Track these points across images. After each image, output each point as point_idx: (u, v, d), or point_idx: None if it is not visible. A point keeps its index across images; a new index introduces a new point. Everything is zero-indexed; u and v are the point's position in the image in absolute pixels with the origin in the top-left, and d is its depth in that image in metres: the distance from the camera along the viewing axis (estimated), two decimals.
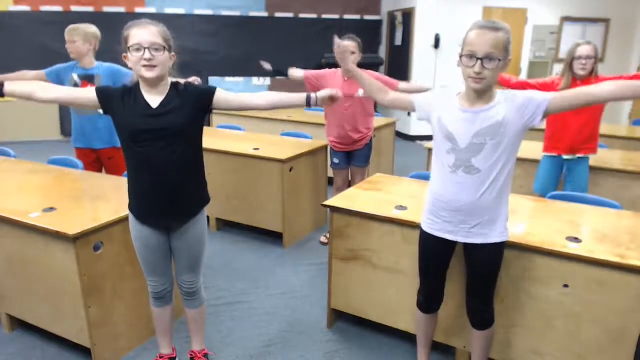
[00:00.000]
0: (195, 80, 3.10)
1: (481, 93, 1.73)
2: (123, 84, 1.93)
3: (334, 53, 2.44)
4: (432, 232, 1.92)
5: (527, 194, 2.65)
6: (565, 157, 3.15)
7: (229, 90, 1.98)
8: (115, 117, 1.87)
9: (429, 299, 2.08)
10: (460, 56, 1.70)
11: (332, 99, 2.02)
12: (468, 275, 1.97)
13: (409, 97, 1.99)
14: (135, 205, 1.97)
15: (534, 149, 3.42)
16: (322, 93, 2.01)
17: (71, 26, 3.17)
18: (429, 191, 1.95)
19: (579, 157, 3.13)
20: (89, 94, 1.88)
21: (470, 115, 1.75)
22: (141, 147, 1.84)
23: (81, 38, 3.15)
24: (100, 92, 1.88)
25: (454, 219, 1.84)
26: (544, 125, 3.21)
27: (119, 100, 1.86)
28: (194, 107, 1.89)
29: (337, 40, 2.32)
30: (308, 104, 2.01)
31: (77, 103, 1.93)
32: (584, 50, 2.92)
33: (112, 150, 3.37)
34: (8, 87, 1.85)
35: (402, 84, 3.44)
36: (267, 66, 4.08)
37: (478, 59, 1.64)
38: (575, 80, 3.02)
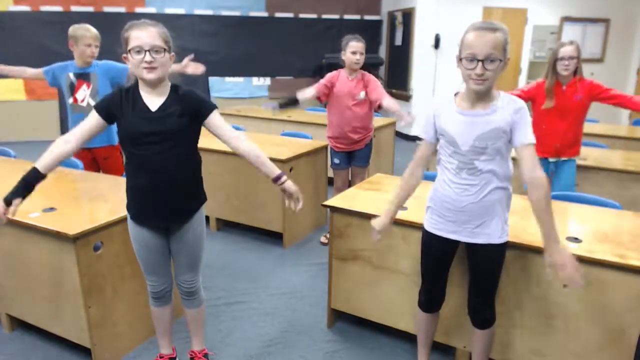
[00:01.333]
0: (188, 62, 3.08)
1: (482, 94, 1.72)
2: (118, 85, 1.93)
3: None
4: (435, 231, 1.93)
5: (526, 194, 2.64)
6: (550, 159, 3.19)
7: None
8: (118, 122, 1.88)
9: (430, 299, 2.08)
10: (460, 59, 1.70)
11: (291, 197, 2.03)
12: (470, 274, 1.97)
13: (423, 148, 1.92)
14: (133, 206, 1.97)
15: None
16: (291, 187, 2.02)
17: (88, 28, 3.17)
18: (432, 191, 1.95)
19: (563, 160, 3.17)
20: (93, 117, 1.88)
21: (470, 118, 1.74)
22: (140, 150, 1.85)
23: (99, 43, 3.21)
24: (99, 109, 1.88)
25: (458, 219, 1.84)
26: None
27: (118, 106, 1.86)
28: (191, 114, 1.89)
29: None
30: (275, 180, 2.00)
31: (92, 132, 1.90)
32: (567, 50, 2.92)
33: (108, 150, 3.36)
34: (44, 170, 1.87)
35: (386, 101, 3.37)
36: (271, 106, 3.64)
37: (479, 60, 1.64)
38: (559, 82, 3.02)
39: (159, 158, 1.85)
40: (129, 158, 1.90)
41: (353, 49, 3.34)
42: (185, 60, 3.08)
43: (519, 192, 2.58)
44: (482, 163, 1.75)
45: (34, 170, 1.86)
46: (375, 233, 2.02)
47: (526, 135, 1.70)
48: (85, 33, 3.14)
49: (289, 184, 2.02)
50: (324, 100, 3.56)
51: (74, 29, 3.16)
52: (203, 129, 1.98)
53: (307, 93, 3.46)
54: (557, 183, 3.18)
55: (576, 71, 2.98)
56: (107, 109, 1.87)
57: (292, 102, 3.50)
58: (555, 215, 2.33)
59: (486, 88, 1.70)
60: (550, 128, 3.08)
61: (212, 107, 1.92)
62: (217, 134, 1.95)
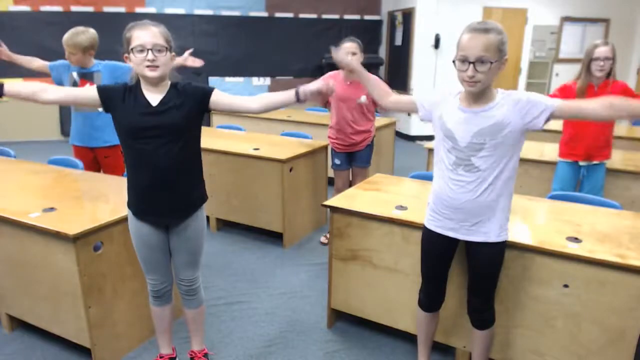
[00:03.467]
0: (188, 55, 3.09)
1: (479, 94, 1.74)
2: (124, 82, 1.94)
3: (333, 58, 2.35)
4: (434, 229, 1.94)
5: (527, 194, 2.64)
6: (581, 163, 3.12)
7: (227, 91, 1.99)
8: (115, 114, 1.89)
9: (430, 298, 2.09)
10: (454, 61, 1.72)
11: (320, 93, 1.98)
12: (469, 274, 1.97)
13: (411, 98, 2.00)
14: (134, 202, 1.98)
15: (534, 150, 3.42)
16: (311, 86, 1.97)
17: (69, 37, 3.10)
18: (431, 189, 1.96)
19: (594, 163, 3.10)
20: (90, 92, 1.89)
21: (469, 115, 1.76)
22: (140, 144, 1.86)
23: (79, 51, 3.12)
24: (101, 90, 1.89)
25: (455, 217, 1.85)
26: (554, 127, 3.20)
27: (120, 98, 1.88)
28: (192, 105, 1.91)
29: (334, 49, 2.26)
30: (297, 99, 1.98)
31: (78, 102, 1.94)
32: (602, 51, 2.85)
33: (108, 149, 3.37)
34: (8, 87, 1.86)
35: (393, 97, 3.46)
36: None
37: (470, 62, 1.65)
38: (591, 83, 2.98)
39: (157, 152, 1.86)
40: (129, 154, 1.91)
41: (345, 50, 3.33)
42: (186, 54, 3.09)
43: (519, 192, 2.59)
44: (480, 160, 1.75)
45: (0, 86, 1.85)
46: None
47: (549, 101, 1.69)
48: (65, 39, 3.10)
49: (308, 92, 1.96)
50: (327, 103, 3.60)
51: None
52: (204, 129, 1.99)
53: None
54: (586, 186, 3.12)
55: (610, 73, 2.90)
56: (108, 93, 1.89)
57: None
58: (556, 215, 2.34)
59: (479, 89, 1.71)
60: (581, 131, 3.04)
61: (211, 89, 1.95)
62: (228, 107, 1.97)
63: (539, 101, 1.70)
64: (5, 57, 3.32)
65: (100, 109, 1.91)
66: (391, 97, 2.07)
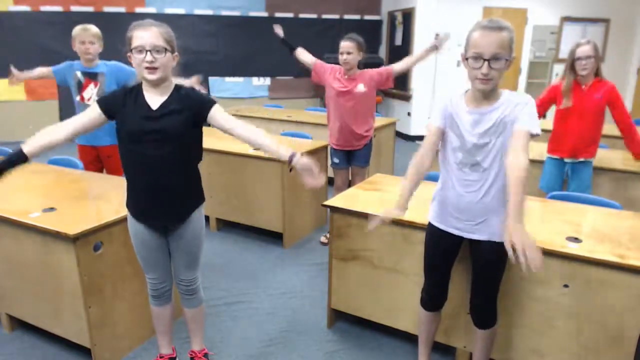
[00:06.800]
0: (196, 80, 3.05)
1: (487, 93, 1.73)
2: (124, 85, 1.94)
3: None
4: (438, 224, 1.94)
5: (527, 194, 2.64)
6: (566, 160, 3.15)
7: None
8: (117, 120, 1.89)
9: (433, 297, 2.09)
10: (466, 58, 1.70)
11: (309, 172, 1.89)
12: (472, 272, 1.97)
13: (437, 133, 1.87)
14: (132, 204, 1.98)
15: (534, 150, 3.41)
16: (306, 162, 1.88)
17: (85, 27, 3.16)
18: (436, 187, 1.97)
19: (580, 161, 3.13)
20: (95, 110, 1.89)
21: (477, 116, 1.76)
22: (137, 147, 1.85)
23: (97, 40, 3.20)
24: (101, 103, 1.90)
25: (460, 215, 1.86)
26: (549, 126, 3.24)
27: (120, 103, 1.87)
28: (190, 113, 1.89)
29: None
30: (289, 162, 1.91)
31: (92, 124, 1.92)
32: (583, 51, 2.91)
33: (113, 148, 3.37)
34: (29, 149, 1.87)
35: (397, 66, 3.53)
36: (279, 30, 3.96)
37: (485, 60, 1.63)
38: (577, 82, 3.01)
39: (154, 156, 1.85)
40: (126, 156, 1.91)
41: (340, 49, 3.35)
42: (194, 80, 2.99)
43: None
44: (486, 160, 1.76)
45: (21, 153, 1.88)
46: (378, 220, 1.91)
47: (525, 122, 1.67)
48: (81, 32, 3.15)
49: (302, 163, 1.88)
50: (313, 77, 3.63)
51: (74, 29, 3.18)
52: (204, 129, 1.99)
53: (304, 56, 3.70)
54: (573, 184, 3.14)
55: (597, 72, 2.96)
56: (108, 104, 1.89)
57: (290, 48, 3.85)
58: (556, 215, 2.34)
59: (491, 87, 1.70)
60: (567, 128, 3.07)
61: (212, 104, 1.91)
62: (221, 128, 1.93)
63: (527, 116, 1.68)
64: (17, 81, 3.30)
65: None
66: (427, 160, 1.89)
